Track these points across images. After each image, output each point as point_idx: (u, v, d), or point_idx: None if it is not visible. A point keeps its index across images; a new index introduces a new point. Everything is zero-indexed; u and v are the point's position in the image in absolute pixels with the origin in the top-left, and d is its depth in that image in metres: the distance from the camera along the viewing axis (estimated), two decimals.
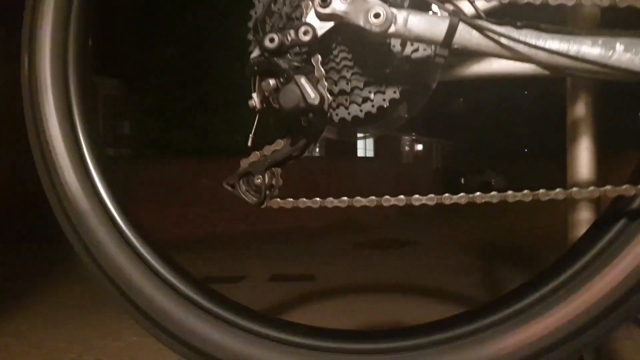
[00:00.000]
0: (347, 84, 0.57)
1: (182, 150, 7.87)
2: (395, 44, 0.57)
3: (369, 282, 3.55)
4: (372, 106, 0.57)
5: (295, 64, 0.52)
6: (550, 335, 0.56)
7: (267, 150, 0.56)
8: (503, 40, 0.49)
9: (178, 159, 7.60)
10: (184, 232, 6.30)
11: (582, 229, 0.87)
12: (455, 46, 0.50)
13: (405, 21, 0.50)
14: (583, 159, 0.84)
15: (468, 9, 0.53)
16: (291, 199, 0.56)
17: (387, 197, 0.53)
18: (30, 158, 0.62)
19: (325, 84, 0.52)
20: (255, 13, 0.58)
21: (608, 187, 0.50)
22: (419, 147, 21.75)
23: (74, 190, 0.61)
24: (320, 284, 3.47)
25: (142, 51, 7.92)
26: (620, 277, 0.53)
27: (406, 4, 0.53)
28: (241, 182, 0.56)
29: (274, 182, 0.56)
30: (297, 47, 0.53)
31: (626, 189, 0.50)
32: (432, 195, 0.53)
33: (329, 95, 0.52)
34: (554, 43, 0.49)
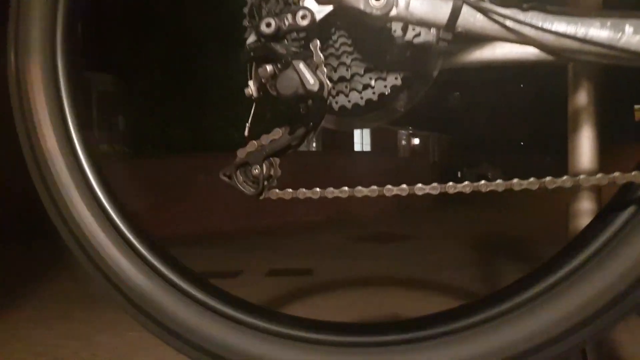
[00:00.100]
0: (347, 70, 0.55)
1: (178, 147, 7.83)
2: (397, 28, 0.55)
3: (367, 276, 3.54)
4: (373, 93, 0.56)
5: (293, 49, 0.50)
6: (553, 328, 0.54)
7: (265, 139, 0.54)
8: (508, 23, 0.48)
9: (173, 155, 7.56)
10: (179, 228, 6.28)
11: (583, 220, 0.86)
12: (459, 29, 0.48)
13: (407, 4, 0.48)
14: (585, 147, 0.83)
15: None
16: (290, 190, 0.54)
17: (389, 186, 0.52)
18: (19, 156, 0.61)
19: (325, 70, 0.50)
20: None
21: (616, 173, 0.49)
22: (416, 141, 21.76)
23: (68, 188, 0.60)
24: (318, 278, 3.46)
25: (137, 47, 7.86)
26: (629, 266, 0.51)
27: None
28: (238, 172, 0.55)
29: (272, 172, 0.55)
30: (295, 32, 0.52)
31: (635, 176, 0.48)
32: (435, 184, 0.51)
33: (328, 82, 0.51)
34: (561, 25, 0.47)
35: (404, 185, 0.52)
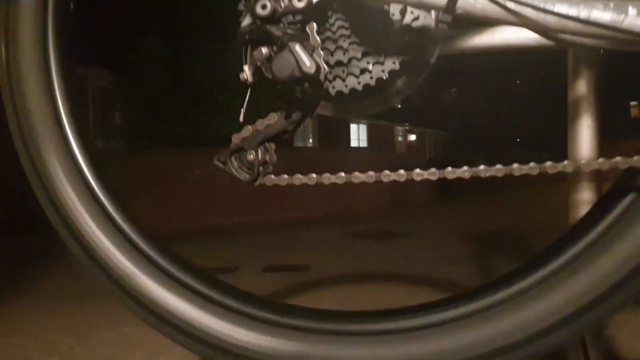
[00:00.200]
0: (344, 54, 0.54)
1: (174, 142, 7.79)
2: (395, 11, 0.54)
3: (363, 271, 3.54)
4: (371, 78, 0.55)
5: (290, 31, 0.49)
6: (551, 316, 0.54)
7: (260, 124, 0.53)
8: (509, 5, 0.47)
9: (170, 150, 7.52)
10: (175, 223, 6.26)
11: (583, 209, 0.85)
12: (459, 11, 0.48)
13: None
14: (584, 136, 0.82)
15: None
16: (286, 176, 0.53)
17: (386, 172, 0.51)
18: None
19: (321, 53, 0.49)
20: None
21: (618, 158, 0.48)
22: (412, 137, 21.77)
23: (63, 183, 0.58)
24: (315, 273, 3.45)
25: (132, 42, 7.81)
26: (629, 254, 0.51)
27: None
28: (233, 158, 0.53)
29: (267, 158, 0.53)
30: (291, 15, 0.50)
31: (637, 160, 0.47)
32: (433, 169, 0.51)
33: (325, 65, 0.49)
34: (563, 7, 0.46)
35: (402, 171, 0.51)
